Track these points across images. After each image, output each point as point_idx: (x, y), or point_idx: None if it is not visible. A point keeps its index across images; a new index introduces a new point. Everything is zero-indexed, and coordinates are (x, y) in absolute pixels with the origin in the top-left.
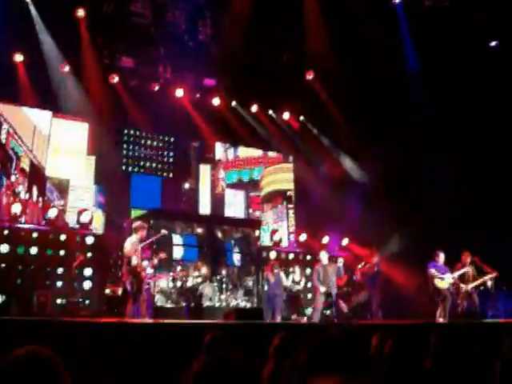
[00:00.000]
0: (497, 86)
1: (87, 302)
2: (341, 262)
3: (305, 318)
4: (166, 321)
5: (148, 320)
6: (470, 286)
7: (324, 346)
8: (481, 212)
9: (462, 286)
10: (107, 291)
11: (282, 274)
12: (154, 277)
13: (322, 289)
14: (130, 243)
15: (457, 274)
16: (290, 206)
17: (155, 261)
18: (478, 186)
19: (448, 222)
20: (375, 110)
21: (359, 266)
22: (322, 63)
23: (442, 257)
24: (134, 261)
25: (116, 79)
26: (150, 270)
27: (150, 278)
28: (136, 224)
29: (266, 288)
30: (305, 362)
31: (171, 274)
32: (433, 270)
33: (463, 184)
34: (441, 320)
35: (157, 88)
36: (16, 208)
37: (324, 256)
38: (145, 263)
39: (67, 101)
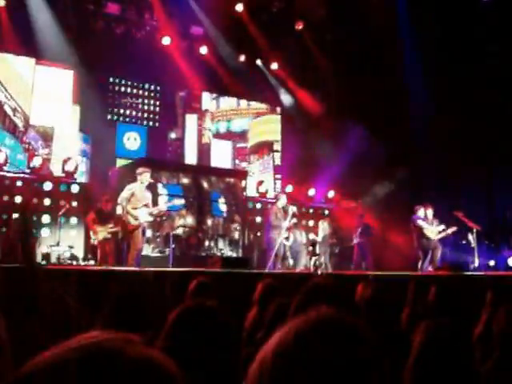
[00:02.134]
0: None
1: (73, 250)
2: (293, 209)
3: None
4: (152, 268)
5: (134, 268)
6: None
7: (315, 291)
8: (466, 168)
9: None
10: (93, 240)
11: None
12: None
13: (277, 235)
14: (129, 188)
15: (439, 228)
16: (277, 157)
17: (155, 211)
18: (465, 141)
19: (433, 179)
20: (364, 61)
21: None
22: (312, 13)
23: (422, 211)
24: (125, 208)
25: (101, 26)
26: (148, 218)
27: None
28: (139, 169)
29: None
30: (297, 305)
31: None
32: (420, 222)
33: (450, 138)
34: (430, 269)
35: (143, 35)
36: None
37: (283, 199)
38: (145, 210)
39: (51, 48)
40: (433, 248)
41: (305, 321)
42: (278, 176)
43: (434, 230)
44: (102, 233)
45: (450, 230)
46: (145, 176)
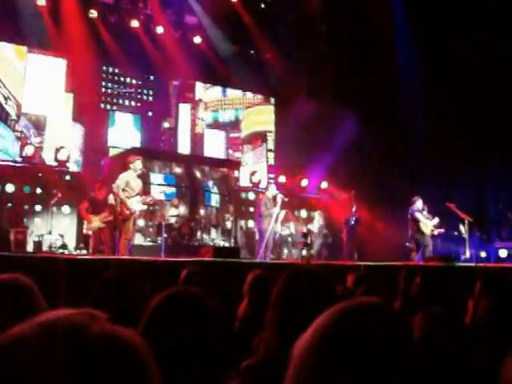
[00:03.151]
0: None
1: (64, 239)
2: (281, 198)
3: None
4: (143, 257)
5: (125, 256)
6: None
7: (295, 278)
8: (459, 159)
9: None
10: (84, 229)
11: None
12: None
13: (267, 224)
14: (122, 177)
15: (434, 222)
16: (270, 147)
17: (148, 199)
18: (460, 133)
19: (427, 170)
20: (359, 50)
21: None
22: (306, 3)
23: (420, 202)
24: (120, 197)
25: (95, 14)
26: (141, 207)
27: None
28: (131, 157)
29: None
30: (279, 292)
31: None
32: (418, 215)
33: (444, 129)
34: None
35: (137, 24)
36: None
37: (273, 188)
38: (138, 199)
39: (44, 36)
40: (425, 244)
41: (342, 307)
42: (272, 176)
43: (429, 225)
44: (95, 222)
45: (436, 232)
46: (137, 164)
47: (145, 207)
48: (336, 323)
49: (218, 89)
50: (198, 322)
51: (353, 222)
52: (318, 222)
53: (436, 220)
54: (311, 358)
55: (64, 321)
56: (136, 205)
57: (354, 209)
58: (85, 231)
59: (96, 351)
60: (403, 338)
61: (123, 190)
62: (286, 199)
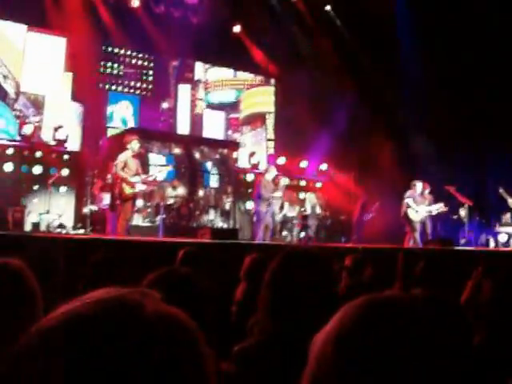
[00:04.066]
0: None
1: (62, 218)
2: (285, 181)
3: None
4: (141, 238)
5: (122, 236)
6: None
7: (291, 257)
8: (459, 143)
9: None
10: (83, 209)
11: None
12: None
13: (266, 206)
14: (120, 157)
15: (431, 209)
16: (270, 136)
17: (150, 178)
18: (459, 116)
19: (427, 153)
20: (360, 33)
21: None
22: None
23: (419, 187)
24: (121, 176)
25: None
26: (142, 187)
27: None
28: (127, 137)
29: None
30: (272, 274)
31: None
32: (408, 201)
33: (444, 113)
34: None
35: (137, 3)
36: None
37: (272, 171)
38: (138, 178)
39: (43, 14)
40: (412, 230)
41: (370, 300)
42: (271, 129)
43: (420, 211)
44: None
45: (435, 211)
46: (134, 144)
47: (145, 187)
48: (364, 318)
49: (218, 69)
50: (188, 302)
51: (368, 218)
52: (310, 204)
53: (437, 206)
54: (334, 354)
55: (119, 298)
56: (138, 185)
57: (375, 205)
58: (85, 211)
59: (154, 329)
60: (436, 339)
61: (122, 170)
62: (287, 181)
